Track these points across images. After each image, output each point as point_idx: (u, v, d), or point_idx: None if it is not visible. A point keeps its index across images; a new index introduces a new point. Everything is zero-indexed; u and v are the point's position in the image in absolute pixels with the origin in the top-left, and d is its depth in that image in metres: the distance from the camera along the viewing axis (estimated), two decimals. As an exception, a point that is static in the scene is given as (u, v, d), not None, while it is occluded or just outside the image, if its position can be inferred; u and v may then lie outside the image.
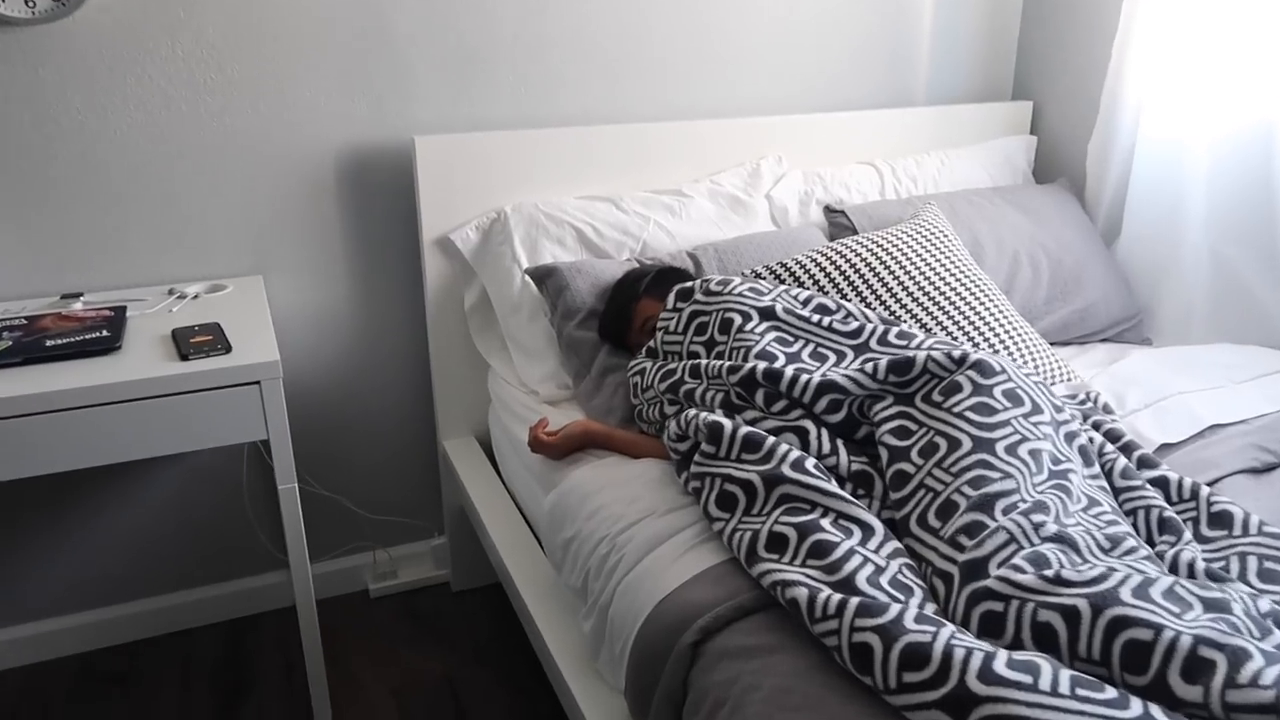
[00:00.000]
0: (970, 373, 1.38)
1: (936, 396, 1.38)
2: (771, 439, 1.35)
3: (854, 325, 1.58)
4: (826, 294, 1.83)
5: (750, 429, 1.37)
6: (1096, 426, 1.54)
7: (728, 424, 1.38)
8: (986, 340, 1.80)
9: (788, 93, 2.36)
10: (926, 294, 1.83)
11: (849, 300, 1.82)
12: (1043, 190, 2.31)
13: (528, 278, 1.96)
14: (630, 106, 2.22)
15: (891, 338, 1.55)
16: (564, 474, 1.64)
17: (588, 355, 1.85)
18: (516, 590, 1.70)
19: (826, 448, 1.39)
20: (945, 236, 1.96)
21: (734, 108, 2.32)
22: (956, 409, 1.34)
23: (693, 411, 1.46)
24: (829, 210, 2.20)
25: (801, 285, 1.85)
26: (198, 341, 1.60)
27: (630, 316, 1.80)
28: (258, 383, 1.55)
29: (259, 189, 1.97)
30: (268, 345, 1.60)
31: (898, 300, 1.82)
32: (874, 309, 1.81)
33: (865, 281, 1.84)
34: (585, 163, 2.10)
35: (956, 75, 2.54)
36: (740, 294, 1.64)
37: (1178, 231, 2.12)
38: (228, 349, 1.57)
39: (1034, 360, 1.81)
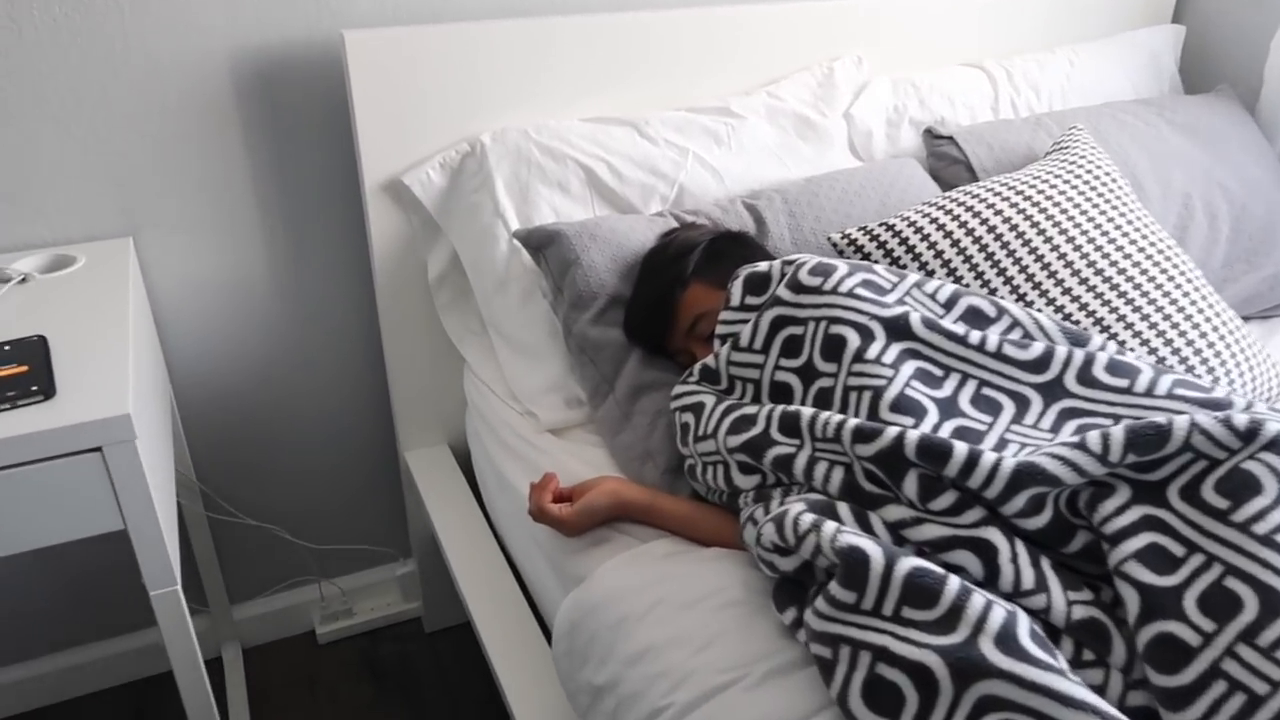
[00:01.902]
0: (1268, 456, 0.84)
1: (1213, 498, 0.83)
2: (955, 584, 0.80)
3: (1036, 350, 1.02)
4: (959, 280, 1.26)
5: (917, 565, 0.82)
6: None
7: (875, 555, 0.83)
8: (1192, 346, 1.24)
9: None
10: (1104, 275, 1.26)
11: (996, 291, 1.25)
12: (1207, 104, 1.71)
13: (518, 243, 1.36)
14: (655, -15, 1.58)
15: (1099, 372, 0.99)
16: (585, 560, 1.10)
17: (610, 364, 1.27)
18: (500, 685, 1.19)
19: (1028, 579, 0.85)
20: (1114, 182, 1.38)
21: (795, -13, 1.68)
22: (1260, 529, 0.80)
23: (802, 512, 0.90)
24: (931, 135, 1.60)
25: (918, 262, 1.27)
26: (2, 377, 1.01)
27: (674, 311, 1.22)
28: (98, 449, 0.97)
29: (123, 114, 1.33)
30: (115, 381, 1.01)
31: (1062, 287, 1.25)
32: (1028, 300, 1.25)
33: (1013, 256, 1.26)
34: (592, 68, 1.47)
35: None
36: (853, 294, 1.06)
37: (1405, 166, 1.55)
38: (47, 392, 0.98)
39: (1252, 374, 1.27)
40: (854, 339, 1.03)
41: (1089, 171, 1.37)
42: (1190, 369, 1.23)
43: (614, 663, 0.97)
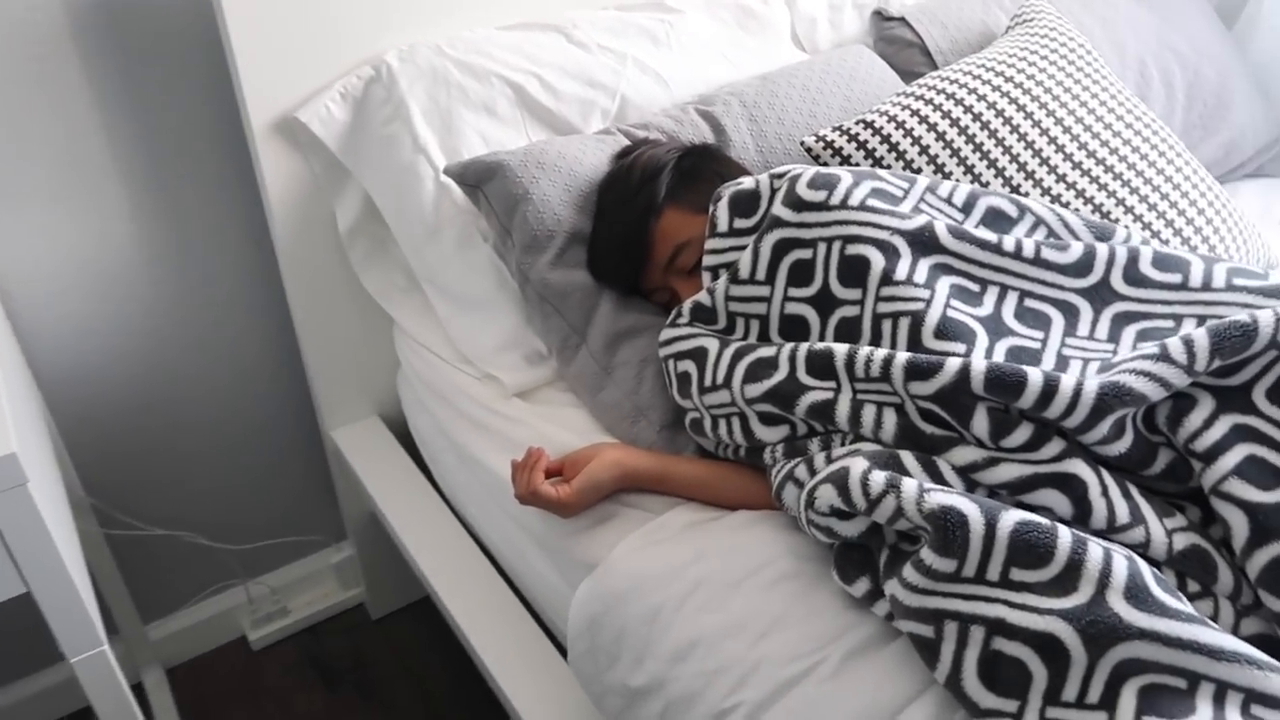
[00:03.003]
0: (1360, 345, 0.76)
1: (1308, 399, 0.76)
2: (1066, 535, 0.70)
3: (1075, 251, 0.91)
4: (948, 177, 1.15)
5: (1021, 518, 0.71)
6: None
7: (974, 515, 0.71)
8: (1192, 225, 1.18)
9: None
10: (1097, 158, 1.17)
11: (988, 186, 1.14)
12: (1145, -37, 1.63)
13: (449, 182, 1.16)
14: None
15: (1146, 268, 0.90)
16: (592, 543, 0.96)
17: (578, 312, 1.10)
18: (477, 656, 1.08)
19: (1123, 513, 0.76)
20: (1089, 54, 1.28)
21: None
22: (1370, 430, 0.73)
23: (869, 470, 0.77)
24: (881, 16, 1.46)
25: (902, 160, 1.15)
26: None
27: (649, 245, 1.06)
28: (-20, 502, 0.76)
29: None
30: (-14, 411, 0.79)
31: (1056, 174, 1.16)
32: (1023, 192, 1.15)
33: (1002, 145, 1.15)
34: (502, -35, 1.27)
35: None
36: (865, 206, 0.93)
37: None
38: (-105, 439, 0.76)
39: (1245, 245, 1.22)
40: (878, 259, 0.90)
41: (1063, 45, 1.27)
42: (1193, 249, 1.16)
43: (654, 660, 0.85)
